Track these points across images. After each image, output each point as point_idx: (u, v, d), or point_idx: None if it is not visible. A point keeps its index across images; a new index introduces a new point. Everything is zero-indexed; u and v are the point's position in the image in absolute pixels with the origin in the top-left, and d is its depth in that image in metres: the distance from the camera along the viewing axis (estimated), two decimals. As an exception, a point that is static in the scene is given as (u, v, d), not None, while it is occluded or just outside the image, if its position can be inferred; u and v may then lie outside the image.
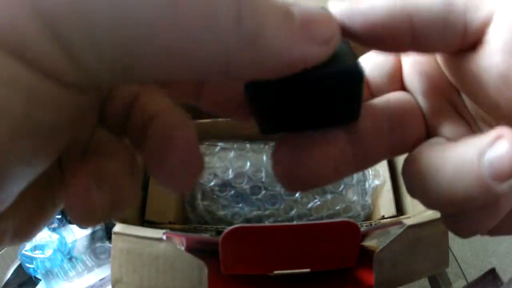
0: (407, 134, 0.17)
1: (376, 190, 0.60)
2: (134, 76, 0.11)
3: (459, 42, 0.14)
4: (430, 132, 0.18)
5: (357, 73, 0.13)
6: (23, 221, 0.15)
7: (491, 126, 0.16)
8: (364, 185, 0.61)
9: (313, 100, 0.14)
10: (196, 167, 0.15)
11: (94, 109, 0.16)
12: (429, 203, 0.16)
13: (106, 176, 0.14)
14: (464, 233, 0.16)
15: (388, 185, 0.59)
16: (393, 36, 0.14)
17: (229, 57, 0.11)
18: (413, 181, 0.16)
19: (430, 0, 0.14)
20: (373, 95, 0.18)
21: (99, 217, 0.14)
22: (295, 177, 0.15)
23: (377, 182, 0.60)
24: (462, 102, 0.17)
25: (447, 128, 0.17)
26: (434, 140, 0.17)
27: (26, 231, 0.15)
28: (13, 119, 0.10)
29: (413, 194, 0.16)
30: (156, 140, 0.14)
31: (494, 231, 0.16)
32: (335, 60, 0.13)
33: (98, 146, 0.16)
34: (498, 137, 0.13)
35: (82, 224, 0.14)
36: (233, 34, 0.11)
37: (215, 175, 0.59)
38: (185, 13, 0.10)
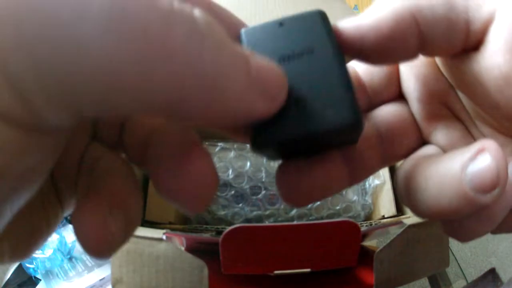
0: (397, 147, 0.18)
1: (376, 190, 0.60)
2: (86, 117, 0.10)
3: (463, 41, 0.14)
4: (424, 139, 0.18)
5: (357, 126, 0.13)
6: (19, 242, 0.14)
7: (489, 125, 0.16)
8: (364, 185, 0.61)
9: (314, 144, 0.15)
10: (211, 178, 0.13)
11: (86, 127, 0.15)
12: (417, 213, 0.16)
13: (116, 199, 0.14)
14: (462, 239, 0.16)
15: (388, 185, 0.59)
16: (402, 40, 0.14)
17: (181, 95, 0.10)
18: (401, 193, 0.17)
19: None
20: (370, 98, 0.18)
21: (117, 244, 0.13)
22: (299, 198, 0.16)
23: (377, 182, 0.60)
24: (459, 104, 0.17)
25: (442, 134, 0.17)
26: (424, 150, 0.17)
27: (23, 251, 0.15)
28: None
29: (404, 203, 0.17)
30: (163, 153, 0.14)
31: (496, 230, 0.16)
32: (336, 106, 0.13)
33: (95, 162, 0.15)
34: (480, 151, 0.14)
35: (100, 256, 0.13)
36: (191, 71, 0.10)
37: (215, 175, 0.59)
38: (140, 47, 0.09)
